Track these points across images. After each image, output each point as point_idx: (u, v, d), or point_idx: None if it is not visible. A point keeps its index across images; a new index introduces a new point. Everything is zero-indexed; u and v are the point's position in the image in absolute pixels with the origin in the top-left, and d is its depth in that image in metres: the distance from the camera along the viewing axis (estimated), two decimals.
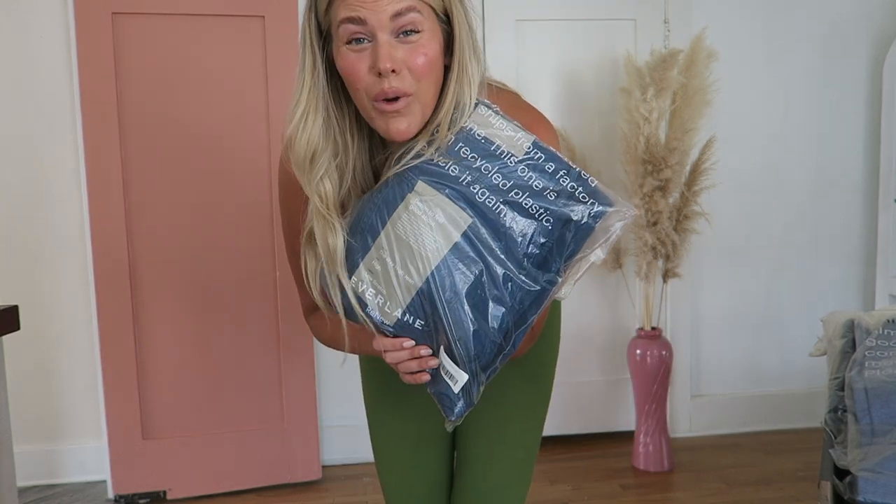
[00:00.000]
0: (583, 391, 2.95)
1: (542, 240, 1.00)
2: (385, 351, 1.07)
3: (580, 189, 1.00)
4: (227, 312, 2.57)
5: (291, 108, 1.06)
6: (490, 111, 1.05)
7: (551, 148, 1.02)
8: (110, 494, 2.53)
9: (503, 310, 1.01)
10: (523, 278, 1.01)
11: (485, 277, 1.00)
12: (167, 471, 2.54)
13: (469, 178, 1.01)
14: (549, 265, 1.01)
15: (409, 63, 1.00)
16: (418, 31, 1.00)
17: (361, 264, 1.05)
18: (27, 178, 2.57)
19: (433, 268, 1.00)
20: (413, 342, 1.05)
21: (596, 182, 1.01)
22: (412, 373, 1.07)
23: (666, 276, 2.71)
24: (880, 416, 1.52)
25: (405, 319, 1.04)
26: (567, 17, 2.81)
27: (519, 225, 1.00)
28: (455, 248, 1.00)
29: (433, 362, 1.05)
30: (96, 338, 2.49)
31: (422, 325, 1.04)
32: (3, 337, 1.48)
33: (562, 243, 1.00)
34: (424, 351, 1.05)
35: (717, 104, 2.68)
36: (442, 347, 1.04)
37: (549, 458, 2.79)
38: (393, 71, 0.99)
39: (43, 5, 2.52)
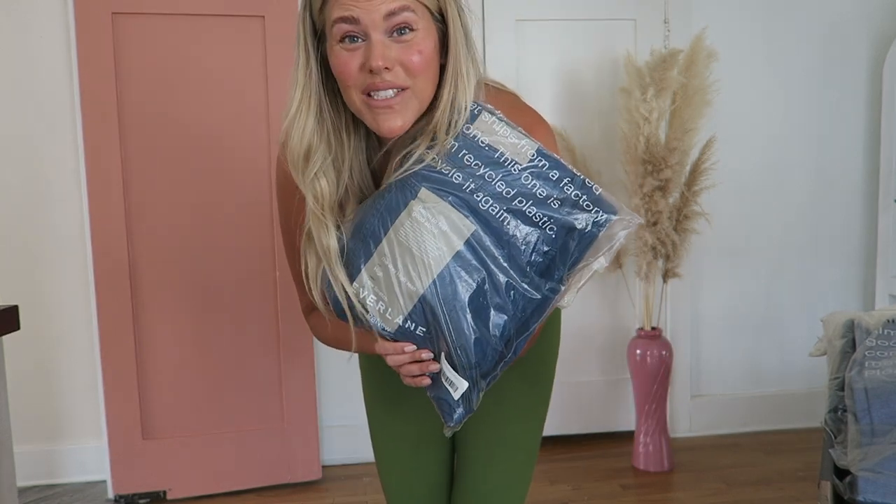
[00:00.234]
0: (583, 391, 2.95)
1: (546, 248, 1.00)
2: (387, 354, 1.08)
3: (584, 197, 1.00)
4: (227, 312, 2.57)
5: (286, 106, 1.07)
6: (494, 118, 1.04)
7: (555, 155, 1.02)
8: (110, 494, 2.53)
9: (505, 318, 1.01)
10: (526, 286, 1.00)
11: (487, 285, 1.00)
12: (167, 471, 2.54)
13: (472, 185, 1.00)
14: (553, 273, 1.01)
15: (404, 61, 1.01)
16: (413, 30, 1.01)
17: (363, 270, 1.04)
18: (27, 178, 2.57)
19: (436, 275, 1.00)
20: (415, 347, 1.05)
21: (600, 190, 1.00)
22: (413, 376, 1.07)
23: (666, 276, 2.71)
24: (880, 416, 1.52)
25: (406, 326, 1.04)
26: (567, 17, 2.81)
27: (522, 233, 1.00)
28: (458, 255, 1.00)
29: (434, 366, 1.05)
30: (96, 338, 2.49)
31: (423, 332, 1.04)
32: (3, 337, 1.48)
33: (565, 252, 1.00)
34: (426, 355, 1.05)
35: (717, 104, 2.68)
36: (443, 354, 1.04)
37: (549, 458, 2.79)
38: (386, 68, 0.99)
39: (43, 5, 2.52)
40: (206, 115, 2.50)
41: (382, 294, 1.04)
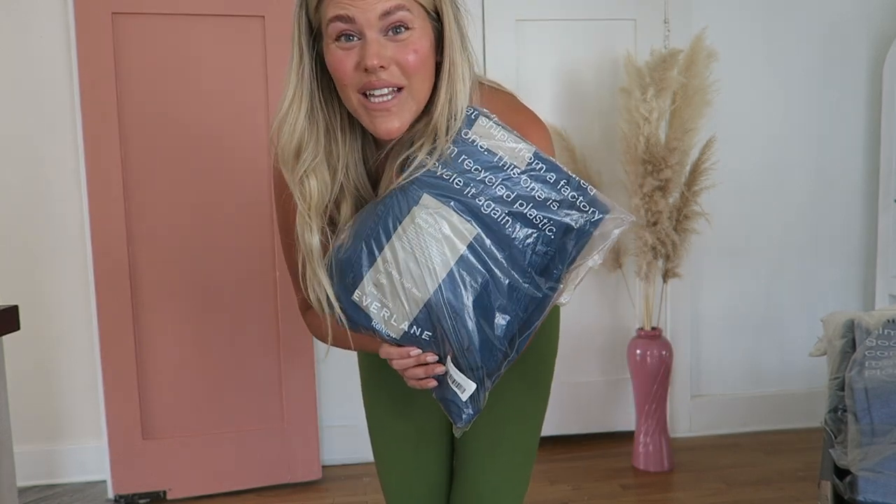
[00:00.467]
0: (583, 391, 2.95)
1: (545, 248, 1.02)
2: (391, 359, 1.08)
3: (580, 198, 1.02)
4: (227, 312, 2.57)
5: (279, 104, 1.08)
6: (491, 122, 1.05)
7: (552, 158, 1.04)
8: (110, 494, 2.53)
9: (508, 318, 1.02)
10: (527, 286, 1.02)
11: (490, 287, 1.02)
12: (167, 471, 2.54)
13: (473, 189, 1.02)
14: (551, 272, 1.03)
15: (399, 59, 1.01)
16: (408, 29, 1.01)
17: (366, 278, 1.05)
18: (27, 178, 2.57)
19: (440, 280, 1.01)
20: (419, 350, 1.06)
21: (595, 191, 1.03)
22: (419, 379, 1.08)
23: (666, 276, 2.71)
24: (880, 416, 1.52)
25: (412, 332, 1.05)
26: (567, 17, 2.81)
27: (523, 235, 1.02)
28: (461, 259, 1.01)
29: (440, 369, 1.06)
30: (96, 338, 2.49)
31: (429, 337, 1.05)
32: (3, 337, 1.48)
33: (563, 251, 1.02)
34: (431, 358, 1.06)
35: (717, 104, 2.68)
36: (449, 357, 1.05)
37: (549, 458, 2.79)
38: (382, 67, 1.00)
39: (43, 5, 2.52)
40: (206, 115, 2.50)
41: (387, 301, 1.05)
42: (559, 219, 1.01)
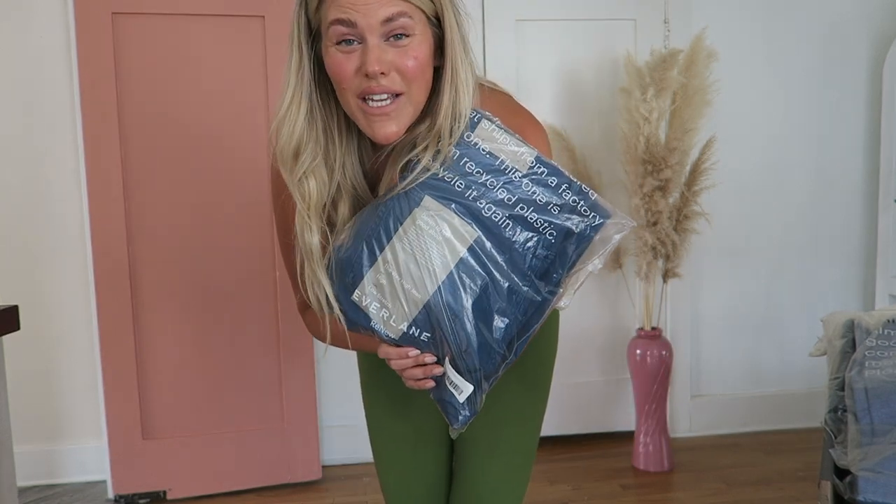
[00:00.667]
0: (582, 391, 2.95)
1: (545, 252, 1.02)
2: (390, 360, 1.08)
3: (581, 203, 1.02)
4: (227, 312, 2.57)
5: (277, 104, 1.08)
6: (493, 125, 1.05)
7: (553, 162, 1.04)
8: (110, 494, 2.53)
9: (507, 321, 1.03)
10: (527, 290, 1.02)
11: (490, 290, 1.02)
12: (167, 471, 2.54)
13: (475, 192, 1.02)
14: (551, 276, 1.03)
15: (399, 65, 1.01)
16: (409, 36, 1.01)
17: (366, 278, 1.05)
18: (27, 178, 2.57)
19: (440, 282, 1.01)
20: (418, 351, 1.06)
21: (596, 195, 1.03)
22: (417, 379, 1.08)
23: (666, 276, 2.71)
24: (880, 416, 1.52)
25: (411, 332, 1.05)
26: (567, 17, 2.81)
27: (523, 238, 1.02)
28: (461, 262, 1.01)
29: (438, 370, 1.06)
30: (96, 338, 2.49)
31: (428, 338, 1.05)
32: (3, 337, 1.48)
33: (563, 255, 1.02)
34: (429, 358, 1.06)
35: (717, 104, 2.68)
36: (447, 358, 1.05)
37: (549, 458, 2.79)
38: (382, 73, 1.00)
39: (43, 5, 2.52)
40: (206, 115, 2.50)
41: (386, 301, 1.05)
42: (560, 223, 1.01)
